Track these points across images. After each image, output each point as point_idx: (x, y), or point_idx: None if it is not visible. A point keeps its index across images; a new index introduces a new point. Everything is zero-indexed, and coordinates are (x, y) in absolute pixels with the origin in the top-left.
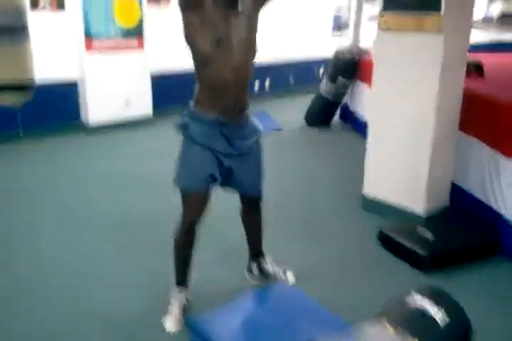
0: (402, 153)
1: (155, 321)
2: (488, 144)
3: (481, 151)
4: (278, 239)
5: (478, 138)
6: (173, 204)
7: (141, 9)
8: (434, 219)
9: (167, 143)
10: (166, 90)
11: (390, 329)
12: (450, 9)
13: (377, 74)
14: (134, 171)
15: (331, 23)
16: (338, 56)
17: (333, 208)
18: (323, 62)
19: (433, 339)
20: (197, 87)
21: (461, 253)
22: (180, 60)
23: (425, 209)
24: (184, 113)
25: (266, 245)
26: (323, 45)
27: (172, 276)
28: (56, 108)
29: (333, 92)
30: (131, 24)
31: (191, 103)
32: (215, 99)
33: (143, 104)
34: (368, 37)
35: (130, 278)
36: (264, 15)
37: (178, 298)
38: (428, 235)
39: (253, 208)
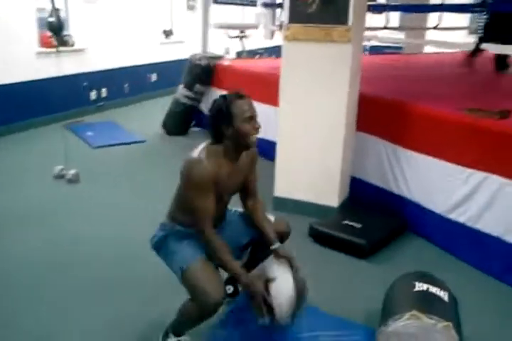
0: (315, 153)
1: None
2: (386, 139)
3: (378, 146)
4: None
5: (376, 135)
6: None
7: None
8: (347, 210)
9: (7, 167)
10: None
11: (424, 318)
12: (355, 22)
13: (286, 81)
14: None
15: (160, 32)
16: (193, 63)
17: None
18: (155, 68)
19: (450, 314)
20: (175, 209)
21: (386, 236)
22: (11, 71)
23: (338, 201)
24: (160, 229)
25: None
26: (153, 52)
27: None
28: None
29: (191, 99)
30: None
31: (165, 218)
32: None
33: None
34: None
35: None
36: (95, 24)
37: None
38: (356, 224)
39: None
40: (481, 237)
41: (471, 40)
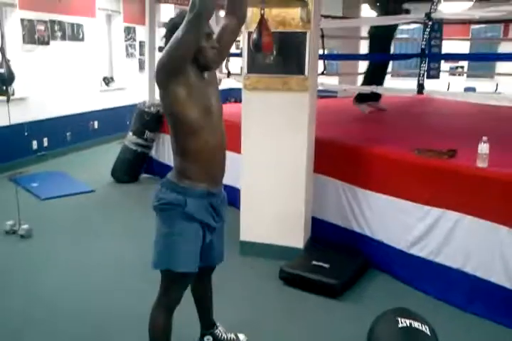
0: (278, 196)
1: None
2: (344, 180)
3: (336, 187)
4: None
5: (333, 176)
6: None
7: None
8: (313, 250)
9: None
10: None
11: None
12: (311, 71)
13: (247, 128)
14: None
15: (99, 80)
16: (142, 110)
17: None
18: (97, 115)
19: None
20: (180, 160)
21: (354, 274)
22: None
23: (303, 242)
24: (165, 189)
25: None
26: (93, 100)
27: None
28: None
29: (141, 146)
30: None
31: (173, 177)
32: (204, 169)
33: None
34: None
35: None
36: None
37: None
38: (324, 265)
39: (209, 275)
40: (442, 270)
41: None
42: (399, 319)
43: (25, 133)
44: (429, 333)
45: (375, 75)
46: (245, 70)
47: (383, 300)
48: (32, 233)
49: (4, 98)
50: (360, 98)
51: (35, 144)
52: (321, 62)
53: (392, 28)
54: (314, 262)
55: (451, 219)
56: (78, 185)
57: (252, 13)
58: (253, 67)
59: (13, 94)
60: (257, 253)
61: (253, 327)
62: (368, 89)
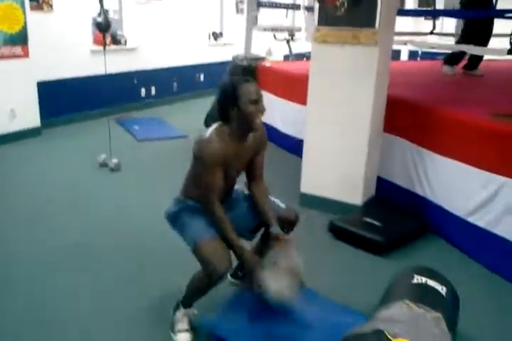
0: (340, 153)
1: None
2: (413, 142)
3: (404, 148)
4: None
5: (403, 137)
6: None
7: (24, 15)
8: (370, 208)
9: (57, 156)
10: (55, 99)
11: (414, 307)
12: (383, 25)
13: (315, 82)
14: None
15: (208, 35)
16: (235, 64)
17: None
18: (203, 69)
19: (444, 307)
20: (188, 184)
21: (405, 235)
22: (68, 67)
23: (362, 200)
24: (172, 205)
25: None
26: (201, 53)
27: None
28: None
29: None
30: (14, 30)
31: (180, 194)
32: None
33: (30, 115)
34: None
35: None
36: (147, 24)
37: (187, 316)
38: (376, 223)
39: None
40: (499, 241)
41: None
42: (415, 275)
43: (135, 81)
44: (444, 294)
45: (471, 34)
46: (316, 23)
47: (430, 262)
48: (120, 167)
49: (117, 47)
50: (451, 59)
51: (143, 92)
52: (429, 21)
53: None
54: (367, 219)
55: None
56: (173, 131)
57: None
58: (323, 19)
59: (125, 44)
60: (316, 206)
61: None
62: (457, 48)
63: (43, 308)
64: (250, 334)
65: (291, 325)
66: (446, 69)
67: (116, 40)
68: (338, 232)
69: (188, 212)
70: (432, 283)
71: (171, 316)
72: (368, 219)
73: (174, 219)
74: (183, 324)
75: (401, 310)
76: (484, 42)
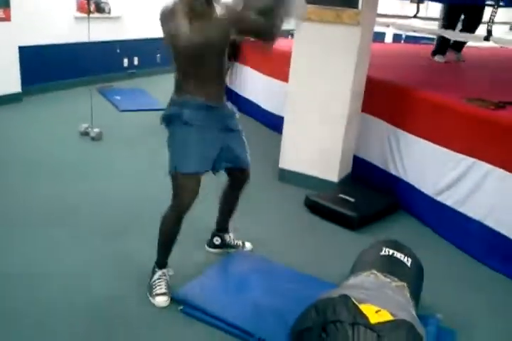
0: (318, 130)
1: (137, 301)
2: (390, 122)
3: (381, 128)
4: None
5: (380, 117)
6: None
7: None
8: (346, 185)
9: (38, 123)
10: (37, 65)
11: (380, 277)
12: (366, 6)
13: (296, 59)
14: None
15: None
16: None
17: (254, 183)
18: None
19: (408, 277)
20: (177, 75)
21: (377, 212)
22: (51, 32)
23: (338, 177)
24: (168, 105)
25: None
26: None
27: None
28: None
29: None
30: None
31: (174, 93)
32: (200, 85)
33: (10, 80)
34: None
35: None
36: None
37: (165, 278)
38: (350, 199)
39: (241, 184)
40: (464, 220)
41: None
42: (383, 248)
43: (118, 51)
44: (409, 265)
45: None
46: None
47: (399, 237)
48: (102, 137)
49: (101, 15)
50: (440, 49)
51: (125, 62)
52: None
53: None
54: (341, 195)
55: (481, 170)
56: (154, 103)
57: None
58: None
59: (109, 13)
60: (294, 181)
61: (266, 242)
62: (439, 32)
63: (31, 263)
64: (226, 303)
65: (266, 295)
66: (438, 58)
67: (100, 8)
68: (313, 207)
69: (183, 126)
70: (398, 255)
71: (148, 281)
72: (343, 195)
73: (170, 119)
74: (160, 287)
75: (368, 278)
76: (471, 29)
